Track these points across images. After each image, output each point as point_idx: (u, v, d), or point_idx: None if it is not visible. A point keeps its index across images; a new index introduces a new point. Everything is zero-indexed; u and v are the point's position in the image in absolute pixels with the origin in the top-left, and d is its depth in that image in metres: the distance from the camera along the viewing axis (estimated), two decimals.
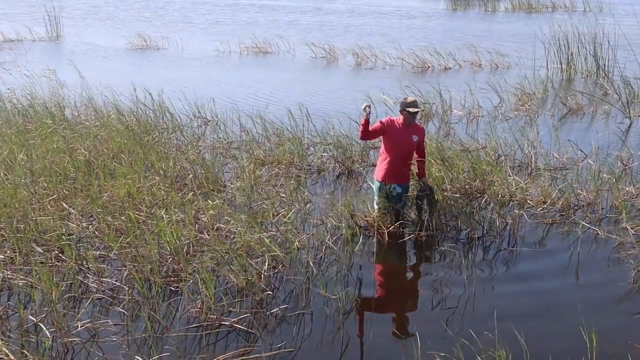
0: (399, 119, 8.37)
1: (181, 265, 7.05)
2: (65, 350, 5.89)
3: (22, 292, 6.62)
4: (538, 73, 18.55)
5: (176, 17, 37.16)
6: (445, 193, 8.80)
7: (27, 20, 32.07)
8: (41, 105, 13.42)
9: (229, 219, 8.04)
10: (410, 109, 8.21)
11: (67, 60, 20.91)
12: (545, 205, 9.11)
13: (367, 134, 8.30)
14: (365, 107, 8.17)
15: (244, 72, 21.44)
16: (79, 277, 6.92)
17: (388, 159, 8.32)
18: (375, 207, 8.52)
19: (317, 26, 32.91)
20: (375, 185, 8.56)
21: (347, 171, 10.80)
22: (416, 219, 8.60)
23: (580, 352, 5.78)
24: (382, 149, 8.45)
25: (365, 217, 8.52)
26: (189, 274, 6.87)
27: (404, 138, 8.28)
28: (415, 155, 8.50)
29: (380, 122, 8.35)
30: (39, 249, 7.36)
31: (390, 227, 8.31)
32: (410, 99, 8.34)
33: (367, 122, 8.20)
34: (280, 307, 6.59)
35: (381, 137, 8.41)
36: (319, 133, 12.02)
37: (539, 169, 10.52)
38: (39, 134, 11.12)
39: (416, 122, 8.51)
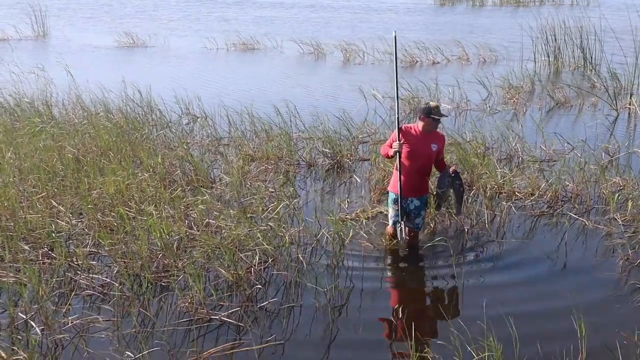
0: (416, 126, 7.57)
1: (171, 260, 7.05)
2: (55, 346, 5.89)
3: (12, 289, 6.61)
4: (525, 66, 18.65)
5: (153, 14, 37.13)
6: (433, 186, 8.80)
7: (12, 19, 31.87)
8: (28, 104, 13.37)
9: (218, 214, 8.05)
10: (435, 116, 7.42)
11: (54, 58, 20.81)
12: (533, 197, 9.17)
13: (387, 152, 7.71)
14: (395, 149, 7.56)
15: (232, 69, 21.41)
16: (69, 274, 6.91)
17: (405, 170, 7.55)
18: (390, 221, 7.91)
19: (304, 22, 32.87)
20: (390, 197, 7.83)
21: (336, 165, 10.81)
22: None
23: (569, 341, 5.81)
24: (397, 158, 7.59)
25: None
26: (179, 270, 6.88)
27: (422, 147, 7.51)
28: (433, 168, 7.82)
29: (399, 131, 7.51)
30: (27, 247, 7.35)
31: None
32: (432, 104, 7.54)
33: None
34: (270, 300, 6.61)
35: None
36: (307, 128, 12.03)
37: (527, 161, 10.57)
38: (26, 133, 11.08)
39: (437, 129, 7.68)
